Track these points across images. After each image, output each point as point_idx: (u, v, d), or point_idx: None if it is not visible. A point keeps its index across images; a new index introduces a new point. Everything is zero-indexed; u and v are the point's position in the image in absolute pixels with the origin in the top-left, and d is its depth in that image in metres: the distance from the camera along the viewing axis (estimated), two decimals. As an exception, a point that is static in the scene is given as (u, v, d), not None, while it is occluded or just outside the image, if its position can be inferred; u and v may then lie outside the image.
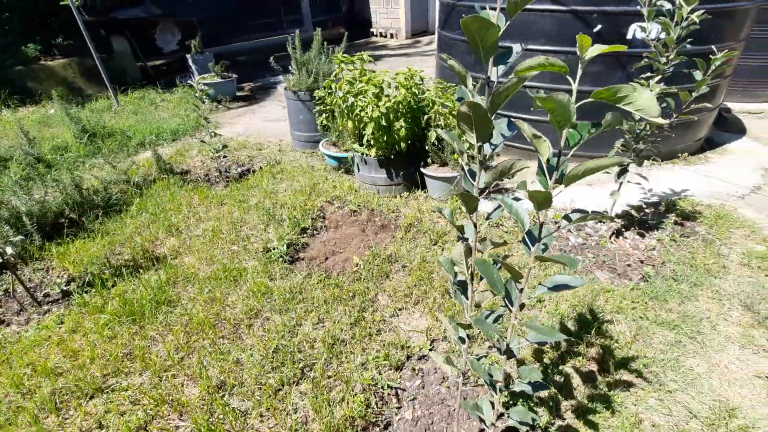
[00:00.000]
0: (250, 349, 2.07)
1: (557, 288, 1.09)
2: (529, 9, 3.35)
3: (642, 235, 2.82)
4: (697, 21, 2.05)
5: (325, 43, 4.37)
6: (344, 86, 3.02)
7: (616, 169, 2.58)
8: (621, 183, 2.60)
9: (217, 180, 3.90)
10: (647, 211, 3.07)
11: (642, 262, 2.61)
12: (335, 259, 2.82)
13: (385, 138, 3.07)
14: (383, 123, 2.97)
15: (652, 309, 2.21)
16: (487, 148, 1.10)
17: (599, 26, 3.17)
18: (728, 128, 4.76)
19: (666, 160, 3.84)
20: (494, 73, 0.99)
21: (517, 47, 0.99)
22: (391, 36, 11.42)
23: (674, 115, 2.35)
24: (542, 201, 0.93)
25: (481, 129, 0.96)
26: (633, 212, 3.06)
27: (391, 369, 1.96)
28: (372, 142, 3.10)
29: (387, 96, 2.89)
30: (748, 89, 5.18)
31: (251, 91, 7.18)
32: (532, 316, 2.21)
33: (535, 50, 3.45)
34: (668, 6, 2.15)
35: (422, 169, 3.27)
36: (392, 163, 3.31)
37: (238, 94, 6.95)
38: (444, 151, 3.15)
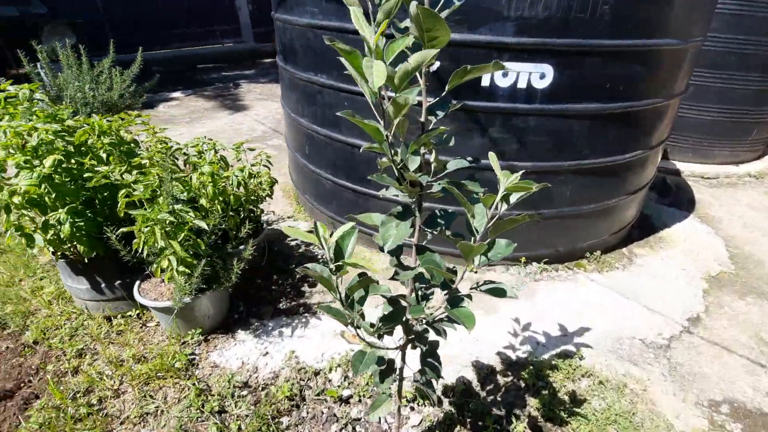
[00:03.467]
0: None
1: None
2: (324, 27, 2.13)
3: (473, 446, 1.53)
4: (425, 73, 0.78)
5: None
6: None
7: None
8: (401, 370, 1.30)
9: None
10: (501, 381, 1.78)
11: None
12: None
13: (50, 233, 1.72)
14: (28, 213, 1.63)
15: None
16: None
17: (437, 63, 1.92)
18: (675, 199, 3.58)
19: (567, 261, 2.59)
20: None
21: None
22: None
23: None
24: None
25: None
26: (475, 383, 1.76)
27: None
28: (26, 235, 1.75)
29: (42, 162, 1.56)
30: (701, 147, 4.05)
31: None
32: None
33: (342, 88, 2.19)
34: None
35: (135, 288, 1.92)
36: (95, 268, 1.97)
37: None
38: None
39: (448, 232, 0.91)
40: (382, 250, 0.90)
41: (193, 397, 1.65)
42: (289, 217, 3.15)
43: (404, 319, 1.05)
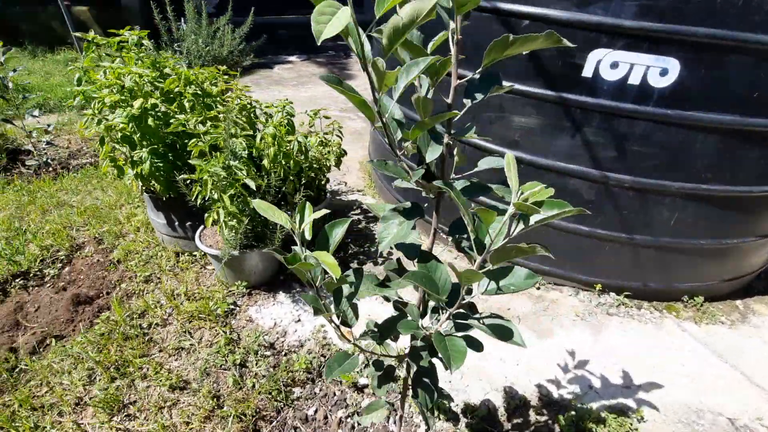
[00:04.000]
0: None
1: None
2: None
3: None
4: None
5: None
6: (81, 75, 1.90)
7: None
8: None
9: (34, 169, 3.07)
10: (532, 419, 1.56)
11: None
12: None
13: (137, 168, 1.91)
14: (120, 147, 1.82)
15: None
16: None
17: (532, 45, 1.66)
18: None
19: (655, 300, 2.17)
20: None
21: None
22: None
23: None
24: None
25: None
26: (501, 412, 1.57)
27: None
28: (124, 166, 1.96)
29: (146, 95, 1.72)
30: None
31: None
32: None
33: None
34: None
35: (197, 232, 2.07)
36: (171, 207, 2.16)
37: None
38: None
39: (464, 243, 0.76)
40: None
41: (222, 345, 1.74)
42: (358, 191, 3.14)
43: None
